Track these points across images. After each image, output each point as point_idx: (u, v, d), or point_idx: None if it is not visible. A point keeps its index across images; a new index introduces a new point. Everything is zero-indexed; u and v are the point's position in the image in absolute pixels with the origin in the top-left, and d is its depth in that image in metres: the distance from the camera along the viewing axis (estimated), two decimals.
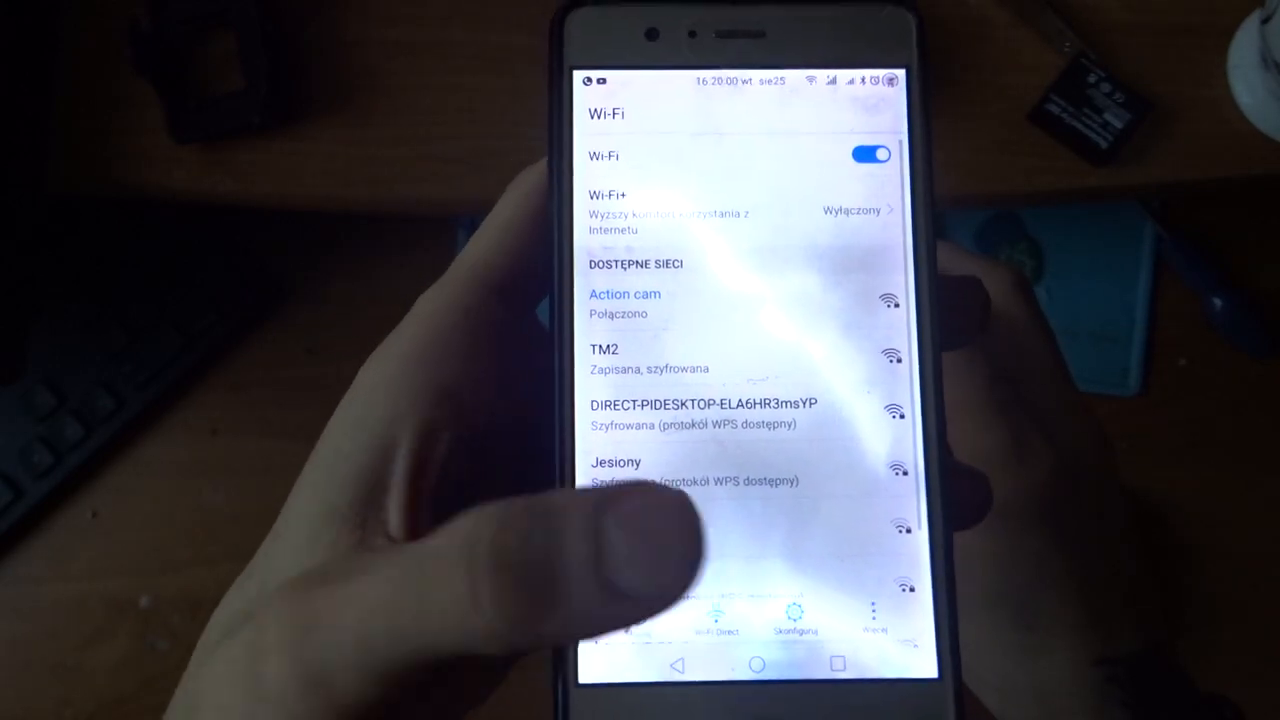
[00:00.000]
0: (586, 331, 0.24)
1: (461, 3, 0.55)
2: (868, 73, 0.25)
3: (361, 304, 0.63)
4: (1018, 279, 0.34)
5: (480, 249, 0.25)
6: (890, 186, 0.24)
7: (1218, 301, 0.63)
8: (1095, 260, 0.66)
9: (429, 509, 0.22)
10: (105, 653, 0.62)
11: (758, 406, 0.24)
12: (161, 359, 0.63)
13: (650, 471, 0.23)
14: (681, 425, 0.24)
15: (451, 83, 0.54)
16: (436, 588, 0.18)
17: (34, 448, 0.62)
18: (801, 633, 0.23)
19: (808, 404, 0.24)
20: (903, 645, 0.23)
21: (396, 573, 0.19)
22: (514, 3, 0.55)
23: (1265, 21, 0.50)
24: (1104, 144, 0.52)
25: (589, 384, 0.24)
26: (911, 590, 0.23)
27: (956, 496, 0.23)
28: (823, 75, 0.25)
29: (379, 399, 0.23)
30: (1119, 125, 0.52)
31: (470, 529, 0.18)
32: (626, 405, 0.24)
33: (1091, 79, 0.53)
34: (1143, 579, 0.34)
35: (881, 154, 0.25)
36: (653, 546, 0.18)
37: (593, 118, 0.25)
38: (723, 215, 0.24)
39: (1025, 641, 0.32)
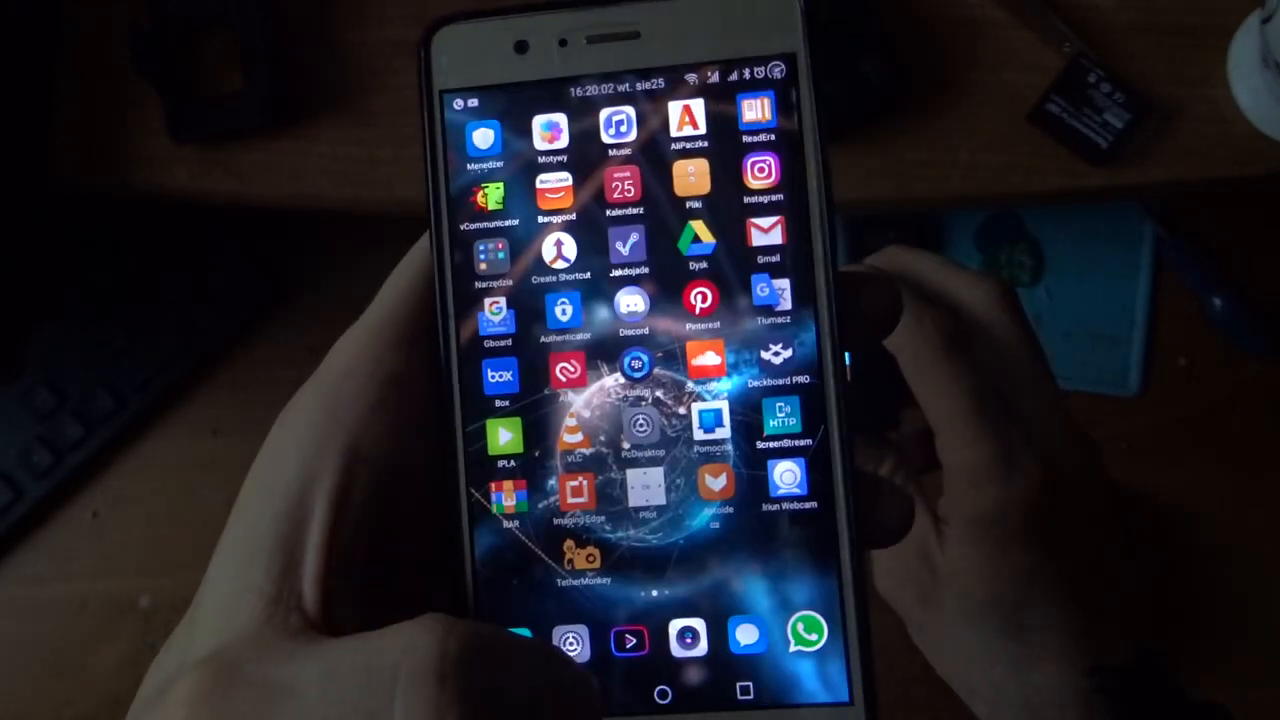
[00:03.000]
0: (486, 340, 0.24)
1: (462, 3, 0.55)
2: (750, 64, 0.23)
3: (361, 304, 0.63)
4: (1004, 291, 0.34)
5: (390, 296, 0.24)
6: (782, 186, 0.23)
7: (1217, 301, 0.63)
8: (1095, 260, 0.66)
9: (343, 576, 0.21)
10: (105, 653, 0.62)
11: (649, 443, 0.23)
12: (161, 359, 0.62)
13: (545, 514, 0.23)
14: (574, 465, 0.23)
15: None
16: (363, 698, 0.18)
17: (34, 448, 0.62)
18: (707, 661, 0.23)
19: (704, 418, 0.23)
20: (813, 670, 0.22)
21: (320, 682, 0.19)
22: (513, 3, 0.55)
23: (1265, 21, 0.50)
24: (1104, 144, 0.52)
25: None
26: (822, 614, 0.23)
27: (871, 515, 0.23)
28: (703, 72, 0.23)
29: (289, 464, 0.22)
30: (1119, 125, 0.52)
31: (409, 642, 0.19)
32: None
33: (1091, 79, 0.53)
34: (1133, 589, 0.34)
35: (771, 152, 0.23)
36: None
37: (468, 143, 0.24)
38: (610, 233, 0.23)
39: (1015, 651, 0.32)
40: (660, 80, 0.23)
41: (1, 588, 0.63)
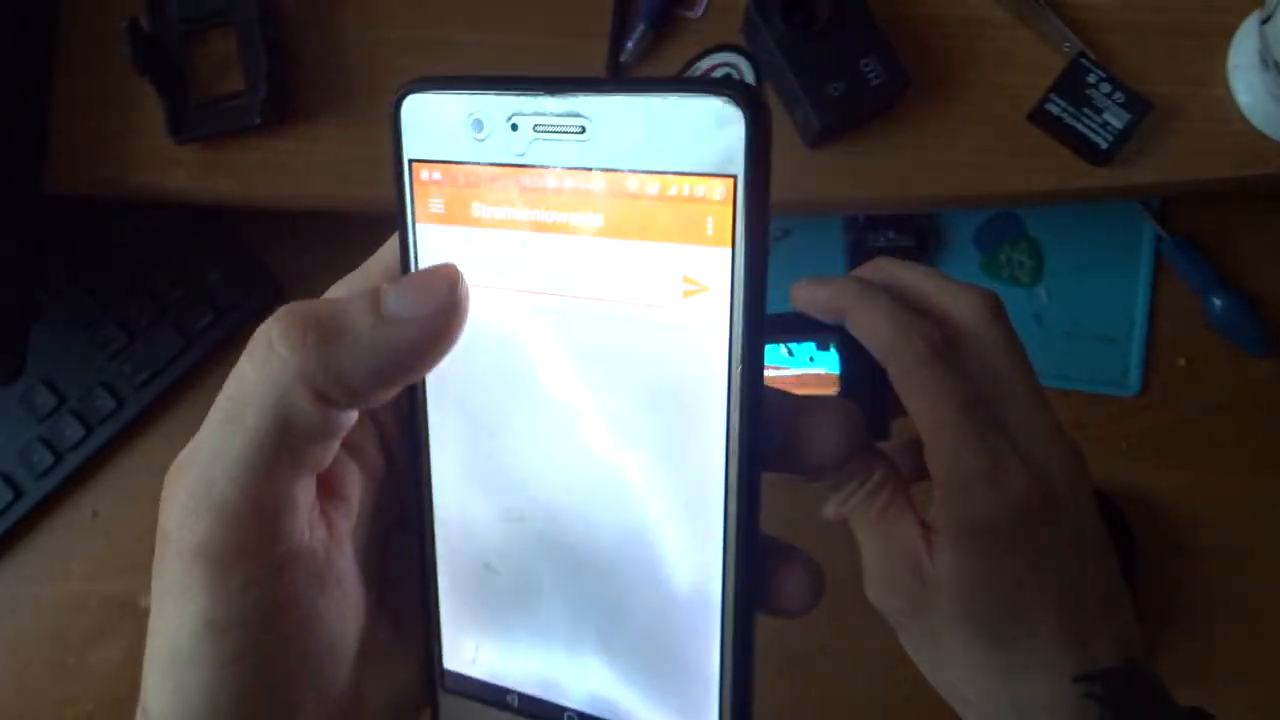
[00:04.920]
0: (438, 423, 0.26)
1: (461, 3, 0.55)
2: (690, 181, 0.21)
3: None
4: (991, 302, 0.34)
5: (387, 256, 0.26)
6: (715, 309, 0.22)
7: (1217, 301, 0.63)
8: (1095, 260, 0.66)
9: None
10: (105, 653, 0.62)
11: (571, 505, 0.24)
12: (161, 359, 0.62)
13: (489, 551, 0.26)
14: (509, 512, 0.25)
15: None
16: (241, 361, 0.22)
17: (34, 448, 0.62)
18: (607, 704, 0.25)
19: (618, 514, 0.24)
20: None
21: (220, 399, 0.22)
22: (514, 3, 0.55)
23: (1265, 21, 0.50)
24: (1104, 144, 0.52)
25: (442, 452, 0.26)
26: (702, 691, 0.24)
27: (776, 588, 0.24)
28: (644, 181, 0.22)
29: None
30: (1119, 125, 0.52)
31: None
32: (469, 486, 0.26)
33: (1091, 79, 0.53)
34: (1119, 594, 0.34)
35: (705, 276, 0.22)
36: (414, 282, 0.23)
37: (432, 211, 0.24)
38: (547, 321, 0.24)
39: (1004, 659, 0.32)
40: (601, 183, 0.22)
41: (1, 588, 0.63)
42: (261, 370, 0.22)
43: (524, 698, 0.26)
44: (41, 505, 0.62)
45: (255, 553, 0.22)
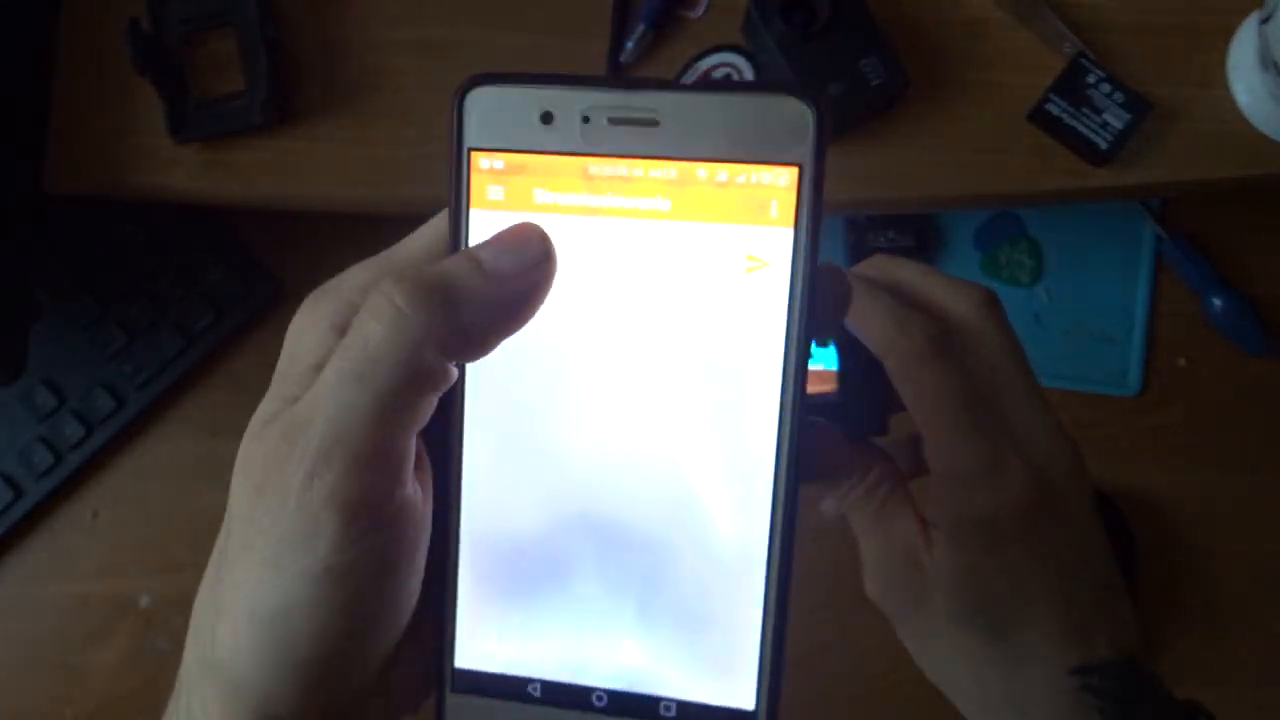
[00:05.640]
0: (476, 411, 0.26)
1: (462, 3, 0.55)
2: (759, 169, 0.23)
3: None
4: (987, 298, 0.34)
5: (416, 246, 0.27)
6: (774, 289, 0.24)
7: (1217, 301, 0.63)
8: (1095, 260, 0.66)
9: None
10: (105, 653, 0.62)
11: (618, 478, 0.25)
12: (161, 359, 0.62)
13: (523, 531, 0.26)
14: (550, 490, 0.26)
15: (451, 83, 0.54)
16: (365, 322, 0.23)
17: (34, 448, 0.62)
18: (639, 676, 0.26)
19: (667, 486, 0.25)
20: (730, 694, 0.25)
21: (341, 351, 0.24)
22: (514, 2, 0.55)
23: (1265, 21, 0.50)
24: (1104, 144, 0.52)
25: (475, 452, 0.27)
26: (741, 651, 0.25)
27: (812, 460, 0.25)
28: (713, 170, 0.24)
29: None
30: (1119, 125, 0.52)
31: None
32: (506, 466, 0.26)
33: (1091, 79, 0.53)
34: (1117, 590, 0.34)
35: (767, 254, 0.24)
36: (507, 239, 0.25)
37: (490, 199, 0.25)
38: (605, 304, 0.25)
39: (1002, 653, 0.33)
40: (672, 170, 0.24)
41: (2, 587, 0.63)
42: (391, 330, 0.23)
43: (548, 685, 0.26)
44: (41, 505, 0.62)
45: (379, 503, 0.23)
